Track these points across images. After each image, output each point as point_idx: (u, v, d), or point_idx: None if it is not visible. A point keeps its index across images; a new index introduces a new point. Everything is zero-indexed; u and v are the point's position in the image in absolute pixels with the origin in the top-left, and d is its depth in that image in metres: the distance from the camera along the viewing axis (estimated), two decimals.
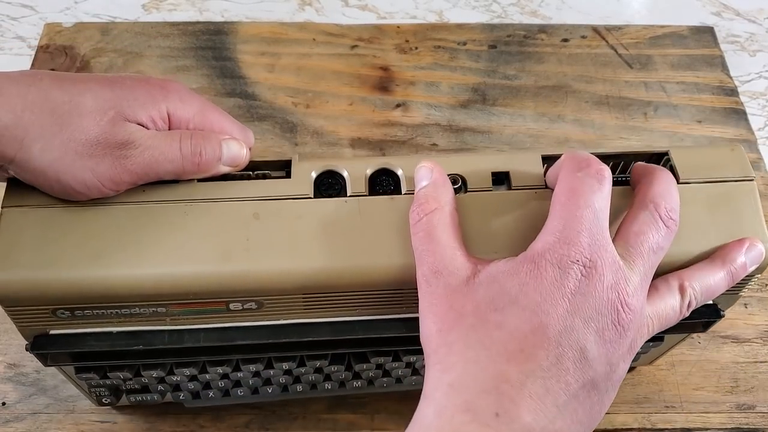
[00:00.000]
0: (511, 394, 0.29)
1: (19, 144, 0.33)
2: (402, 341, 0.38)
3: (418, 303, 0.34)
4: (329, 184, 0.37)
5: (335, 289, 0.35)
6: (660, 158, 0.39)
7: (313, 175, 0.37)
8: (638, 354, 0.44)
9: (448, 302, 0.32)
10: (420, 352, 0.36)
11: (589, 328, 0.30)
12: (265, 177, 0.38)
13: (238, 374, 0.42)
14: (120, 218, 0.35)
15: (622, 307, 0.31)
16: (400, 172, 0.37)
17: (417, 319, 0.34)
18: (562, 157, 0.35)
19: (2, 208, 0.35)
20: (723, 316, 0.39)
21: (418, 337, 0.34)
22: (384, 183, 0.37)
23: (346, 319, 0.38)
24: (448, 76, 0.66)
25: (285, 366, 0.41)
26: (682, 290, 0.35)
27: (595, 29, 0.70)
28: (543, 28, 0.70)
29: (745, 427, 0.48)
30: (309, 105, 0.64)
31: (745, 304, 0.53)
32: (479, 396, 0.29)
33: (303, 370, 0.42)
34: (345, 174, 0.37)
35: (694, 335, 0.51)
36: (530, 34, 0.69)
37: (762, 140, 0.64)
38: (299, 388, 0.44)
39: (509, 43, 0.68)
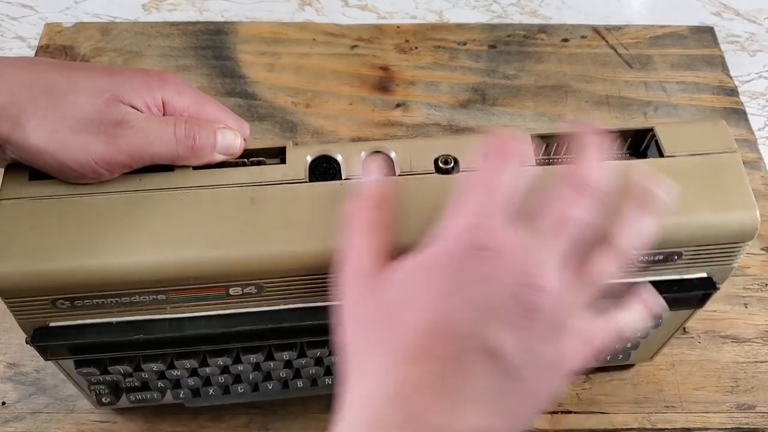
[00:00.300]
0: (415, 398, 0.28)
1: (14, 122, 0.33)
2: None
3: None
4: (324, 169, 0.37)
5: (333, 270, 0.36)
6: (645, 134, 0.39)
7: (308, 159, 0.38)
8: (633, 347, 0.45)
9: (362, 307, 0.31)
10: None
11: (493, 317, 0.28)
12: (260, 164, 0.38)
13: (239, 367, 0.42)
14: (117, 206, 0.35)
15: (530, 289, 0.29)
16: (393, 155, 0.38)
17: None
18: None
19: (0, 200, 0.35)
20: (718, 288, 0.39)
21: None
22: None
23: None
24: (448, 76, 0.66)
25: (285, 356, 0.41)
26: (605, 243, 0.32)
27: (595, 29, 0.70)
28: (543, 28, 0.70)
29: (746, 427, 0.48)
30: (309, 105, 0.64)
31: (745, 304, 0.53)
32: (384, 407, 0.28)
33: (303, 361, 0.42)
34: (339, 158, 0.38)
35: (695, 335, 0.51)
36: (530, 34, 0.69)
37: (762, 140, 0.64)
38: (300, 383, 0.44)
39: (509, 43, 0.68)
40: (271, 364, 0.42)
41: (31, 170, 0.36)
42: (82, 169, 0.34)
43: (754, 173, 0.60)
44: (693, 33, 0.70)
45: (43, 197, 0.35)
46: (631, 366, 0.50)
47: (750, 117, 0.64)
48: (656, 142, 0.38)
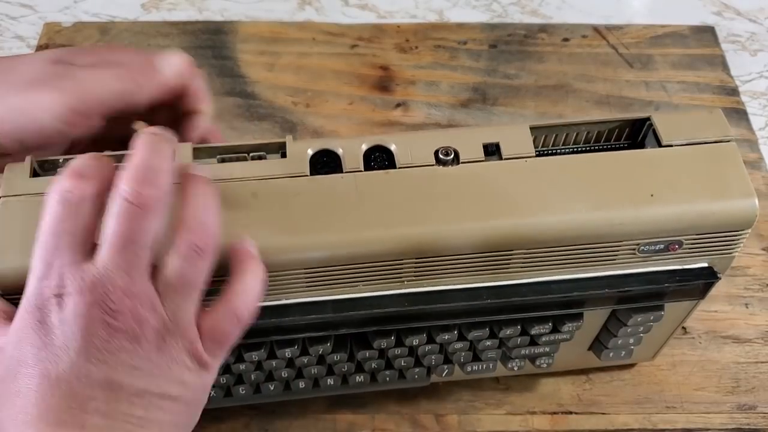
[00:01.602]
0: None
1: None
2: (403, 319, 0.39)
3: (416, 275, 0.35)
4: (324, 163, 0.37)
5: (336, 262, 0.36)
6: (642, 124, 0.39)
7: (309, 153, 0.37)
8: (635, 343, 0.44)
9: None
10: (419, 331, 0.39)
11: (92, 352, 0.29)
12: (261, 159, 0.38)
13: (240, 366, 0.41)
14: None
15: (111, 317, 0.29)
16: (393, 148, 0.37)
17: (418, 293, 0.36)
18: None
19: (0, 198, 0.35)
20: (719, 277, 0.39)
21: (419, 313, 0.34)
22: (378, 159, 0.37)
23: (347, 296, 0.38)
24: (449, 76, 0.66)
25: (288, 353, 0.41)
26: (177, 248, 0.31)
27: (596, 29, 0.69)
28: (543, 28, 0.70)
29: (746, 427, 0.48)
30: (309, 104, 0.63)
31: (746, 305, 0.53)
32: None
33: (306, 360, 0.42)
34: (340, 152, 0.37)
35: (695, 335, 0.51)
36: (531, 34, 0.69)
37: (763, 140, 0.64)
38: (301, 384, 0.44)
39: (510, 43, 0.68)
40: (273, 363, 0.42)
41: (32, 166, 0.36)
42: (41, 126, 0.35)
43: (754, 173, 0.60)
44: (694, 33, 0.69)
45: (46, 193, 0.35)
46: (632, 366, 0.50)
47: (751, 117, 0.64)
48: (654, 131, 0.38)
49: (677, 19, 0.71)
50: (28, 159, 0.36)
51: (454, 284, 0.38)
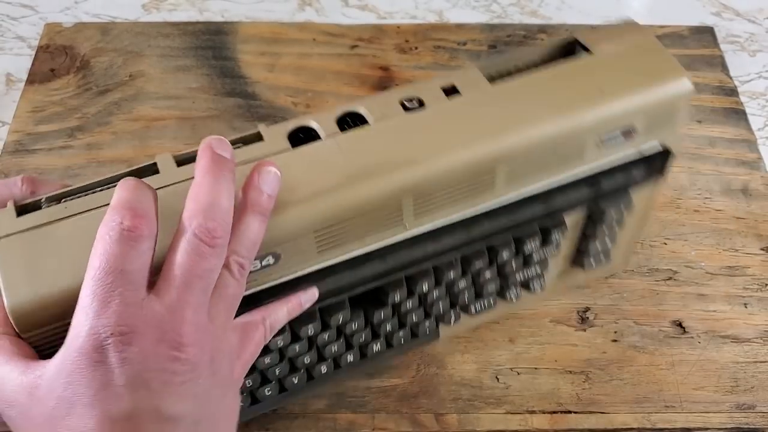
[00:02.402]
0: None
1: None
2: (410, 264, 0.41)
3: (416, 215, 0.38)
4: (302, 138, 0.39)
5: (341, 219, 0.37)
6: (571, 45, 0.44)
7: (286, 131, 0.39)
8: (612, 241, 0.49)
9: (29, 429, 0.30)
10: (427, 275, 0.43)
11: (156, 387, 0.29)
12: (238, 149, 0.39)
13: (265, 359, 0.42)
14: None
15: (179, 351, 0.30)
16: (362, 110, 0.39)
17: (421, 234, 0.39)
18: (117, 186, 0.32)
19: None
20: (673, 154, 0.44)
21: (424, 254, 0.38)
22: (351, 123, 0.39)
23: (358, 253, 0.39)
24: None
25: (310, 329, 0.42)
26: (226, 266, 0.33)
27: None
28: (543, 28, 0.70)
29: (745, 427, 0.48)
30: (309, 105, 0.64)
31: (745, 304, 0.53)
32: None
33: (326, 336, 0.43)
34: (314, 125, 0.39)
35: (694, 335, 0.51)
36: (530, 34, 0.69)
37: (762, 140, 0.64)
38: (323, 369, 0.45)
39: (509, 43, 0.68)
40: (296, 347, 0.43)
41: (17, 206, 0.35)
42: None
43: (754, 173, 0.60)
44: (693, 33, 0.70)
45: (37, 226, 0.34)
46: (631, 365, 0.50)
47: (750, 117, 0.64)
48: (582, 45, 0.43)
49: (676, 20, 0.71)
50: (9, 203, 0.35)
51: (451, 217, 0.40)
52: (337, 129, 0.39)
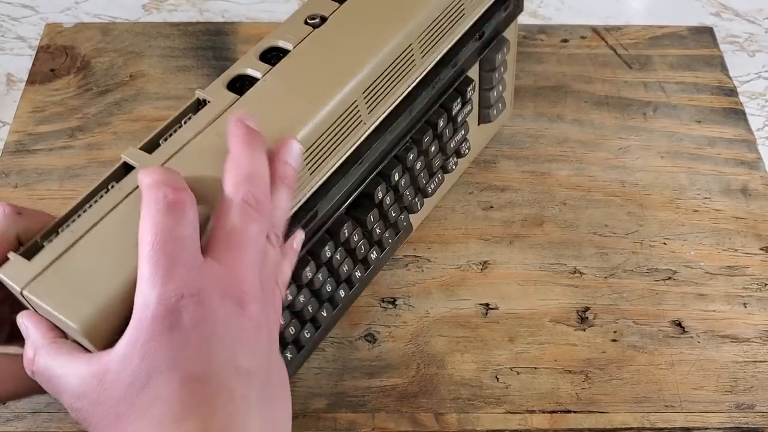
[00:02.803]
0: None
1: None
2: (382, 154, 0.46)
3: (368, 108, 0.43)
4: (239, 87, 0.41)
5: (318, 136, 0.40)
6: None
7: (224, 84, 0.41)
8: (503, 90, 0.57)
9: (99, 401, 0.31)
10: (394, 164, 0.48)
11: (229, 344, 0.31)
12: (189, 119, 0.40)
13: (300, 298, 0.44)
14: (123, 215, 0.35)
15: (243, 308, 0.32)
16: (280, 42, 0.43)
17: (376, 126, 0.44)
18: (140, 176, 0.34)
19: (23, 291, 0.34)
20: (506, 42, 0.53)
21: (387, 144, 0.45)
22: (275, 57, 0.43)
23: (341, 161, 0.43)
24: None
25: (327, 252, 0.45)
26: (267, 239, 0.35)
27: (595, 29, 0.70)
28: (542, 29, 0.70)
29: (745, 426, 0.48)
30: None
31: (744, 304, 0.53)
32: None
33: (338, 255, 0.46)
34: (247, 70, 0.42)
35: (694, 335, 0.52)
36: (530, 35, 0.69)
37: (761, 140, 0.64)
38: (342, 293, 0.48)
39: None
40: (320, 276, 0.45)
41: (21, 253, 0.35)
42: None
43: (753, 173, 0.60)
44: (692, 33, 0.70)
45: (57, 257, 0.34)
46: (630, 365, 0.50)
47: (749, 117, 0.64)
48: None
49: (676, 20, 0.71)
50: (11, 254, 0.35)
51: (394, 102, 0.45)
52: (267, 65, 0.42)
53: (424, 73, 0.47)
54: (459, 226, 0.57)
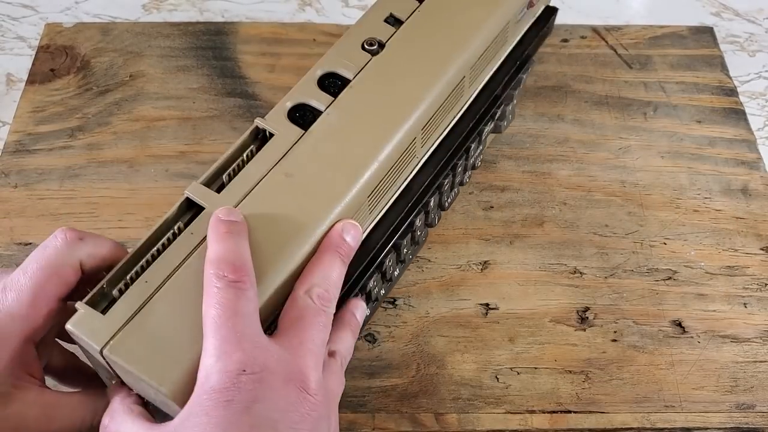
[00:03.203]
0: None
1: None
2: (427, 186, 0.46)
3: (423, 142, 0.43)
4: (298, 117, 0.41)
5: (383, 174, 0.40)
6: None
7: (286, 111, 0.41)
8: (514, 107, 0.56)
9: None
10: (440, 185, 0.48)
11: (282, 429, 0.30)
12: (252, 155, 0.39)
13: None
14: (198, 268, 0.34)
15: (306, 393, 0.32)
16: (340, 71, 0.42)
17: (428, 158, 0.45)
18: (209, 233, 0.34)
19: (102, 350, 0.33)
20: (557, 8, 0.54)
21: (434, 172, 0.46)
22: (332, 84, 0.42)
23: (396, 195, 0.44)
24: None
25: (389, 262, 0.45)
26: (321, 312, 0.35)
27: (595, 29, 0.70)
28: None
29: (745, 426, 0.48)
30: None
31: (744, 304, 0.53)
32: None
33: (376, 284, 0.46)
34: (307, 101, 0.41)
35: (694, 335, 0.52)
36: None
37: (761, 140, 0.64)
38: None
39: None
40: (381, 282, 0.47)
41: (91, 298, 0.34)
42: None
43: (753, 173, 0.60)
44: (692, 33, 0.70)
45: (135, 312, 0.33)
46: (631, 365, 0.50)
47: (749, 117, 0.64)
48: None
49: (676, 20, 0.71)
50: (80, 305, 0.33)
51: (443, 133, 0.46)
52: (328, 96, 0.41)
53: (469, 102, 0.48)
54: (459, 226, 0.57)
